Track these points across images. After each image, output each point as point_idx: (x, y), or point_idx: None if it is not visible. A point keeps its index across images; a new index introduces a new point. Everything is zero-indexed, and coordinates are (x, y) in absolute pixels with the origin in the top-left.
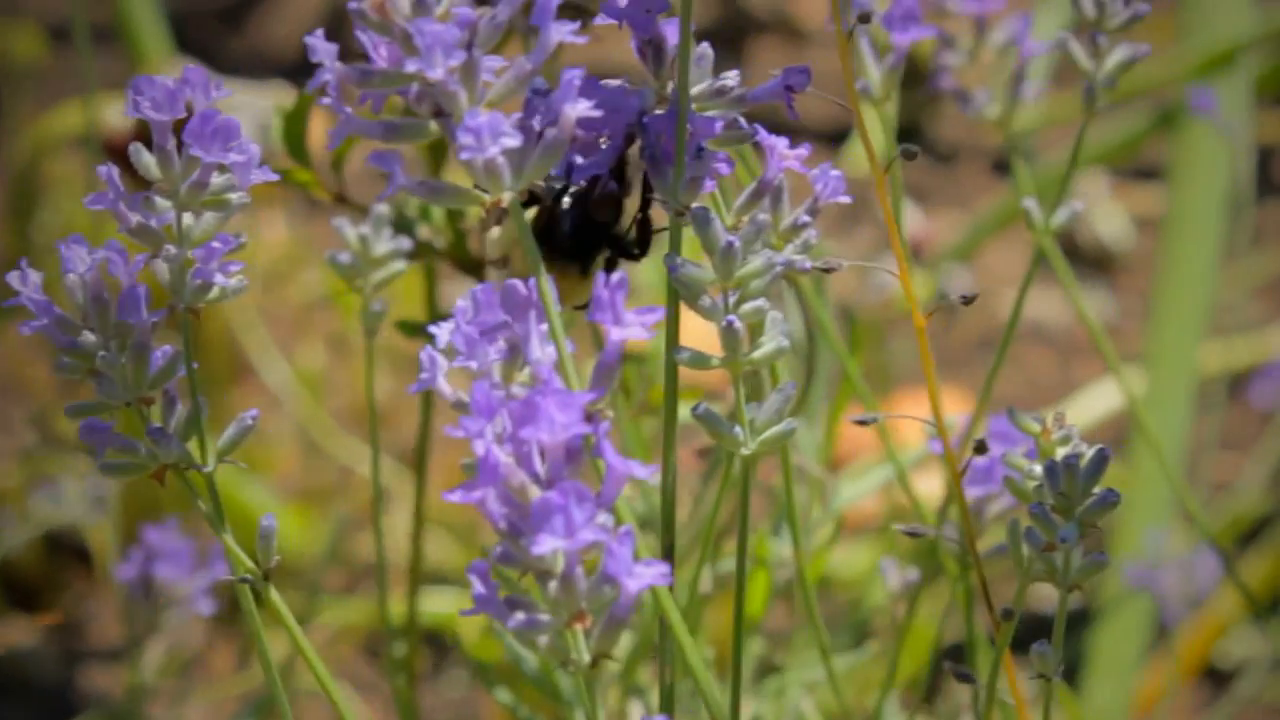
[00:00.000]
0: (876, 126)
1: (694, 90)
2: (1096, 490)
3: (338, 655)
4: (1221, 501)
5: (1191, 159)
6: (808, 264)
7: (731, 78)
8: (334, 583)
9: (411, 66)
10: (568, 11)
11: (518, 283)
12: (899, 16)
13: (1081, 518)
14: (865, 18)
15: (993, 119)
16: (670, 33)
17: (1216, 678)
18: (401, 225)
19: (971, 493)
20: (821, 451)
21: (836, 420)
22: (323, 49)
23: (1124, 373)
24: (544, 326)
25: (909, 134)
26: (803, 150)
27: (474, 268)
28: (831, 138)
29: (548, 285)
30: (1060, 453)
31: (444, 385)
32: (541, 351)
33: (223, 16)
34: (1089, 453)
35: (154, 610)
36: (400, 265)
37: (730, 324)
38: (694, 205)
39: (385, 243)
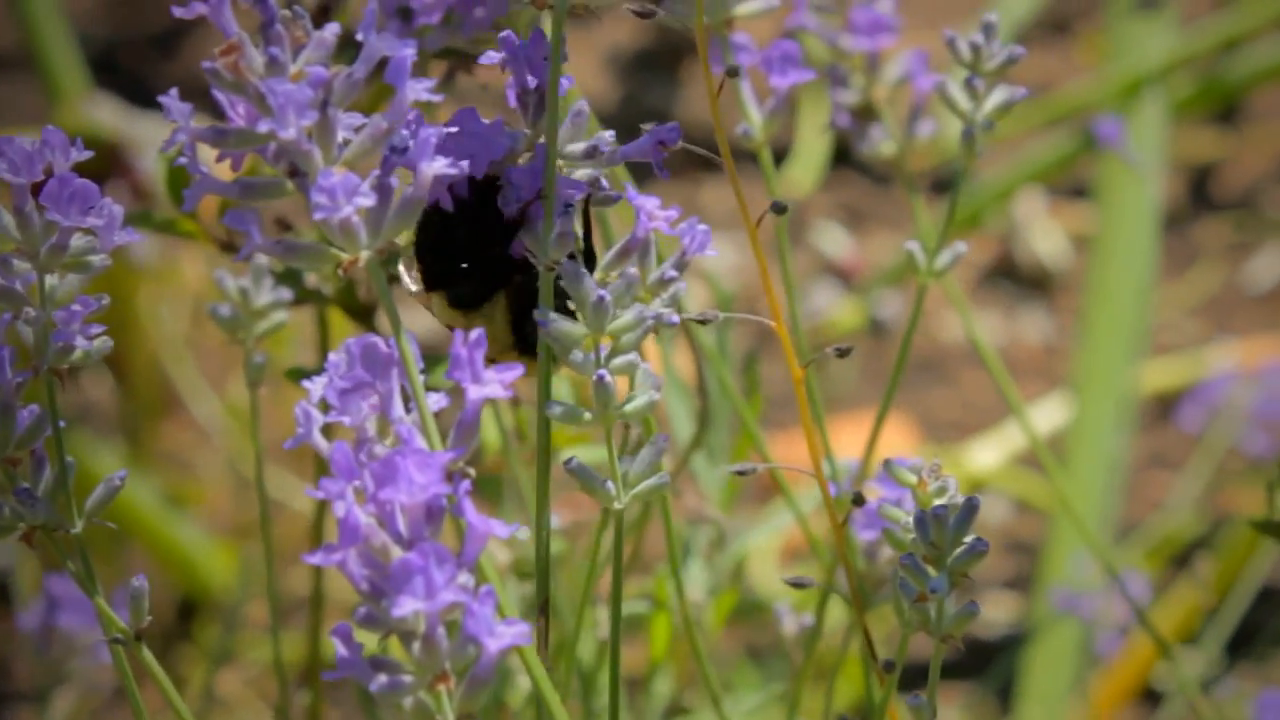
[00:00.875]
0: (815, 148)
1: (567, 149)
2: (967, 539)
3: (268, 690)
4: (1155, 522)
5: (1118, 179)
6: (675, 318)
7: (605, 139)
8: (265, 617)
9: (264, 126)
10: (450, 56)
11: (378, 340)
12: (777, 59)
13: (952, 568)
14: (734, 71)
15: (888, 158)
16: (562, 82)
17: (1154, 699)
18: (288, 272)
19: (865, 536)
20: (727, 488)
21: (741, 456)
22: (176, 109)
23: (1044, 401)
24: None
25: (843, 154)
26: (672, 212)
27: (362, 314)
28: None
29: (407, 343)
30: (936, 504)
31: (319, 441)
32: (403, 410)
33: (155, 42)
34: (960, 502)
35: (58, 660)
36: (282, 316)
37: (601, 378)
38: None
39: (266, 294)
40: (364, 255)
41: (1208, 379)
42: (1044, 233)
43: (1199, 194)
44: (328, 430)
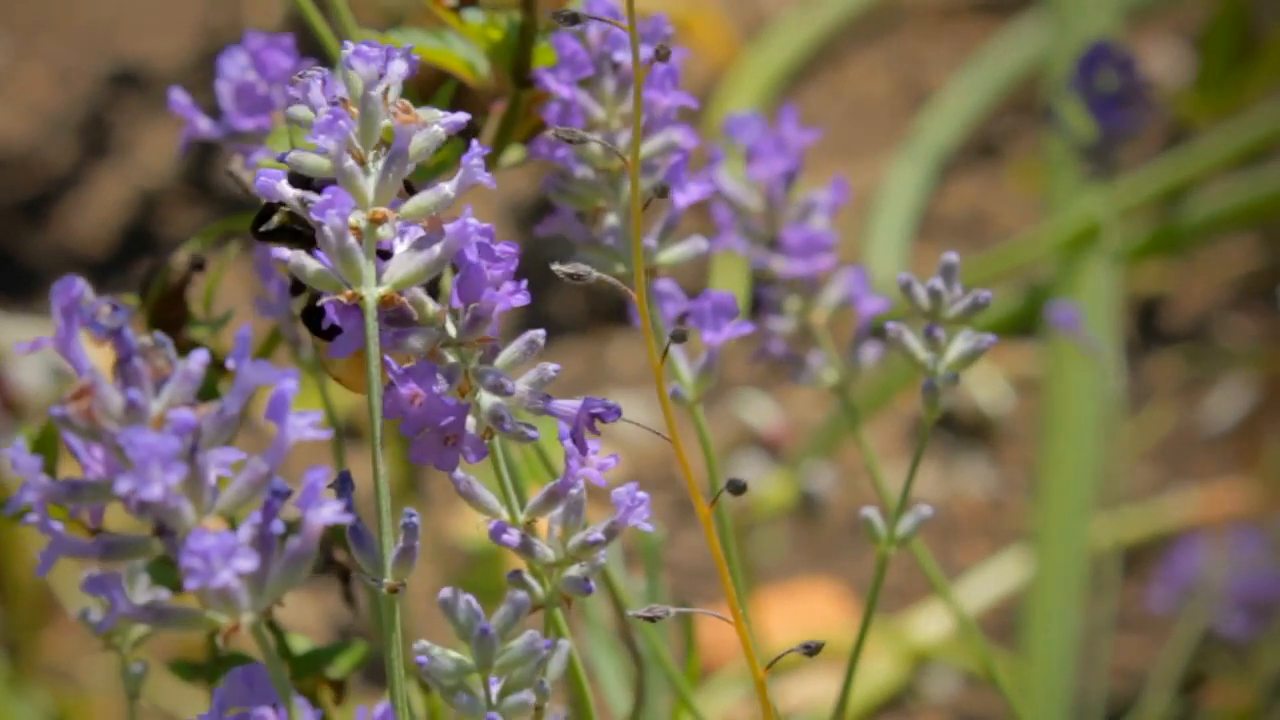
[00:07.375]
0: (733, 290)
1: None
2: None
3: None
4: (1126, 699)
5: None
6: (591, 586)
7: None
8: None
9: (124, 485)
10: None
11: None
12: (709, 313)
13: None
14: (680, 336)
15: (830, 386)
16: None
17: None
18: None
19: None
20: None
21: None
22: (24, 463)
23: (995, 561)
24: None
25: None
26: (610, 461)
27: None
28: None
29: (300, 714)
30: None
31: None
32: None
33: (25, 210)
34: None
35: None
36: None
37: None
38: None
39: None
40: (246, 620)
41: (1172, 540)
42: (983, 378)
43: (1147, 327)
44: None
